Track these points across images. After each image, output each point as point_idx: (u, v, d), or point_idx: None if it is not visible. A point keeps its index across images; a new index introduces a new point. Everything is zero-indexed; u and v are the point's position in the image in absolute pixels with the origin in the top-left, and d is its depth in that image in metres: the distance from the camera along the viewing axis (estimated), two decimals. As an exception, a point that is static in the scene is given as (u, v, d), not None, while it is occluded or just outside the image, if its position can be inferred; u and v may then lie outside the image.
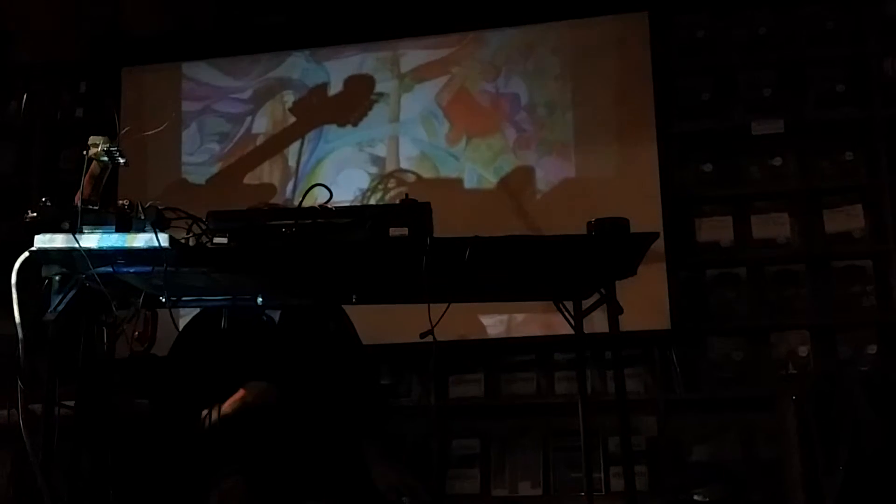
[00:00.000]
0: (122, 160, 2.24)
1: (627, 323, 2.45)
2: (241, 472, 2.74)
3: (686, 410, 4.30)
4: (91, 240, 2.12)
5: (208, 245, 2.20)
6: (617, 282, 2.42)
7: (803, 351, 4.23)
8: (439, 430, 4.46)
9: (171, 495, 2.88)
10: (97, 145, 2.21)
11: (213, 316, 2.80)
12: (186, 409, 2.86)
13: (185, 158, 4.87)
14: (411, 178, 4.63)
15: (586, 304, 2.68)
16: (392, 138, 4.71)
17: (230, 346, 2.78)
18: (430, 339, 2.34)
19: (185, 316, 3.18)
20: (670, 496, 4.07)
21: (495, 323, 4.36)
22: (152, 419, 3.13)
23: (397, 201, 2.27)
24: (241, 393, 2.75)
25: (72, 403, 2.48)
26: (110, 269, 2.21)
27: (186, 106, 4.91)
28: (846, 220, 4.33)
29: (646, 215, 3.99)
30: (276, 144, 4.82)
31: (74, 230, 2.11)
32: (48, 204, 2.16)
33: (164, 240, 2.12)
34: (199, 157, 4.87)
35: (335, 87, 4.81)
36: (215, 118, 4.89)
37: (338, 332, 3.00)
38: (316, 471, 2.77)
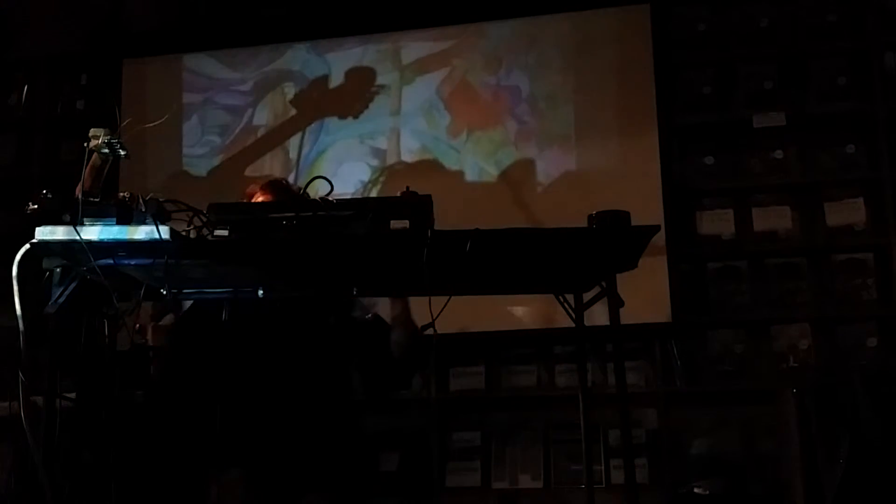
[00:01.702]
0: (122, 152, 2.24)
1: (628, 316, 2.45)
2: (240, 464, 2.74)
3: (686, 403, 4.31)
4: (92, 232, 2.12)
5: (209, 237, 2.20)
6: (618, 275, 2.42)
7: (804, 344, 4.23)
8: (440, 423, 4.47)
9: (172, 487, 2.88)
10: (98, 137, 2.21)
11: (209, 307, 2.79)
12: (182, 399, 2.85)
13: (185, 150, 4.87)
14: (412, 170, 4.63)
15: (587, 296, 2.68)
16: (393, 131, 4.70)
17: (228, 335, 2.77)
18: (430, 331, 2.35)
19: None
20: (670, 489, 4.07)
21: (496, 316, 4.35)
22: (148, 410, 3.12)
23: (398, 194, 2.27)
24: None
25: (73, 395, 2.49)
26: (111, 262, 2.21)
27: (187, 98, 4.91)
28: (847, 213, 4.33)
29: (647, 208, 3.99)
30: (276, 137, 4.82)
31: (75, 222, 2.11)
32: (49, 196, 2.16)
33: (164, 232, 2.12)
34: (199, 150, 4.87)
35: (336, 80, 4.81)
36: (216, 110, 4.89)
37: (338, 327, 2.99)
38: (315, 462, 2.78)
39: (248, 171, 4.78)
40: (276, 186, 3.07)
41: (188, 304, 2.99)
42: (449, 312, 2.52)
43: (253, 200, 2.97)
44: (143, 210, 2.15)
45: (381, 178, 4.65)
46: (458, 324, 2.99)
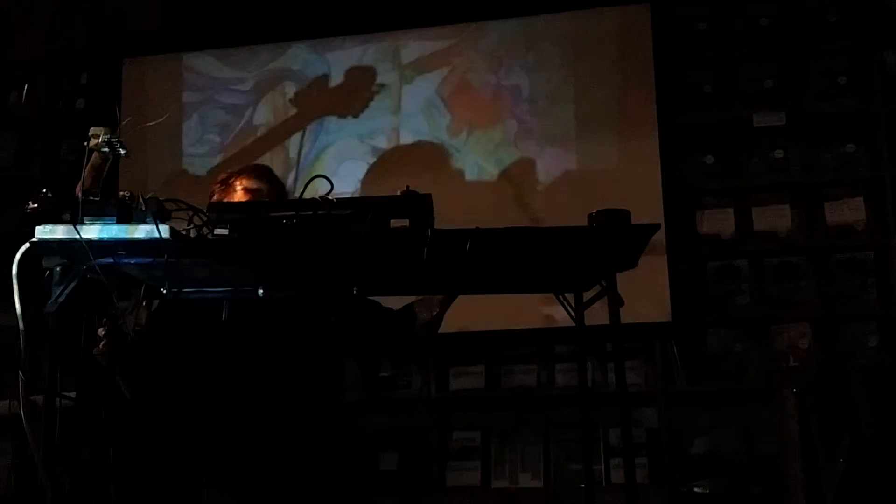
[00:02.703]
0: (123, 151, 2.23)
1: (628, 315, 2.44)
2: (235, 466, 2.73)
3: (686, 403, 4.31)
4: (92, 231, 2.11)
5: (209, 236, 2.20)
6: (618, 274, 2.42)
7: (804, 344, 4.23)
8: (439, 422, 4.47)
9: (168, 487, 2.88)
10: (98, 136, 2.20)
11: (185, 306, 2.75)
12: (171, 402, 2.82)
13: (186, 149, 4.87)
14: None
15: (587, 296, 2.67)
16: (393, 130, 4.70)
17: (225, 335, 2.75)
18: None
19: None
20: (670, 488, 4.08)
21: (496, 315, 4.35)
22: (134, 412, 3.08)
23: (398, 193, 2.26)
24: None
25: (73, 395, 2.48)
26: (111, 261, 2.20)
27: (187, 97, 4.91)
28: (847, 212, 4.33)
29: (647, 207, 3.99)
30: (277, 136, 4.82)
31: (75, 221, 2.10)
32: (49, 195, 2.15)
33: (164, 231, 2.11)
34: (199, 149, 4.87)
35: (336, 79, 4.81)
36: (216, 109, 4.89)
37: (338, 327, 2.98)
38: (313, 461, 2.77)
39: (249, 171, 4.77)
40: (261, 171, 3.02)
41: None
42: (449, 311, 2.52)
43: (234, 185, 2.91)
44: (143, 209, 2.14)
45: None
46: (457, 323, 2.98)
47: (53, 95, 5.13)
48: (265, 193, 2.85)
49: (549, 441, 4.39)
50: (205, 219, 2.21)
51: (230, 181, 2.91)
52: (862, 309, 4.25)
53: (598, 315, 2.59)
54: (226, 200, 2.83)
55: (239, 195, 2.85)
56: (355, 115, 4.75)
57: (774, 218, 4.40)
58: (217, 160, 4.83)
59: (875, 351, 4.14)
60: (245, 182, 2.90)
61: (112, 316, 2.46)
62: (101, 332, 2.46)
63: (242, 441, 2.71)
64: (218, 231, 2.19)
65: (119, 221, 2.13)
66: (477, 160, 4.59)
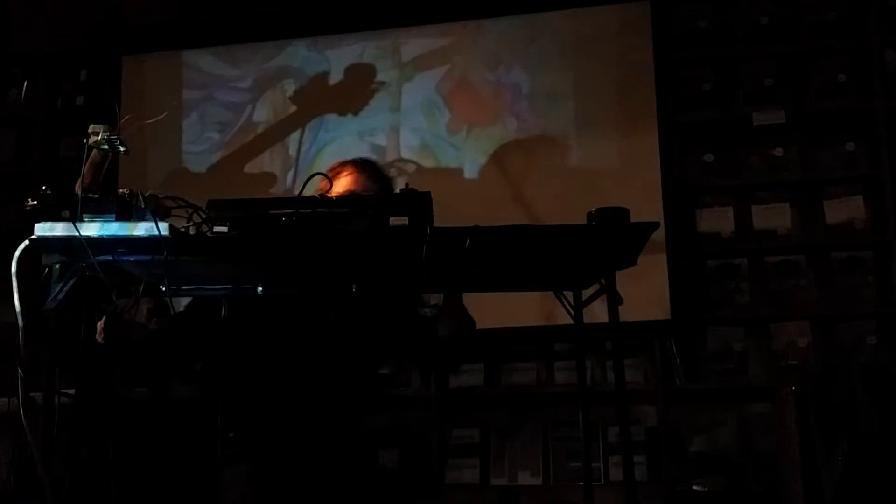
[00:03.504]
0: (122, 148, 2.23)
1: (627, 313, 2.44)
2: (247, 458, 2.74)
3: (685, 401, 4.32)
4: (91, 228, 2.11)
5: (208, 234, 2.20)
6: (617, 272, 2.42)
7: (803, 342, 4.23)
8: (439, 420, 4.47)
9: (176, 481, 2.88)
10: (98, 133, 2.20)
11: (210, 303, 2.77)
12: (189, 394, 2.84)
13: (185, 147, 4.87)
14: (412, 167, 4.63)
15: (586, 294, 2.68)
16: (393, 127, 4.70)
17: (227, 332, 2.76)
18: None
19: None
20: (669, 486, 4.08)
21: (495, 312, 4.34)
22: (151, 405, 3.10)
23: (397, 191, 2.26)
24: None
25: (72, 392, 2.48)
26: (110, 258, 2.20)
27: (187, 94, 4.91)
28: (847, 210, 4.33)
29: (647, 205, 4.00)
30: (276, 133, 4.81)
31: (75, 218, 2.10)
32: (48, 192, 2.15)
33: (164, 228, 2.11)
34: (199, 146, 4.87)
35: (336, 76, 4.81)
36: (216, 107, 4.89)
37: (337, 323, 2.98)
38: (322, 458, 2.78)
39: (248, 168, 4.78)
40: (365, 166, 3.01)
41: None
42: (448, 309, 2.51)
43: (337, 178, 2.92)
44: (143, 206, 2.14)
45: (381, 175, 4.65)
46: (457, 320, 2.98)
47: (53, 92, 5.13)
48: (368, 188, 2.85)
49: (549, 439, 4.39)
50: (204, 216, 2.21)
51: (337, 169, 2.91)
52: (861, 307, 4.25)
53: (597, 313, 2.59)
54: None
55: (342, 184, 2.84)
56: (355, 113, 4.75)
57: (774, 216, 4.40)
58: (216, 158, 4.83)
59: (874, 349, 4.14)
60: (348, 174, 2.89)
61: (109, 311, 2.46)
62: (100, 325, 2.47)
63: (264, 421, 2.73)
64: (217, 229, 2.19)
65: (118, 219, 2.13)
66: (476, 158, 4.59)
